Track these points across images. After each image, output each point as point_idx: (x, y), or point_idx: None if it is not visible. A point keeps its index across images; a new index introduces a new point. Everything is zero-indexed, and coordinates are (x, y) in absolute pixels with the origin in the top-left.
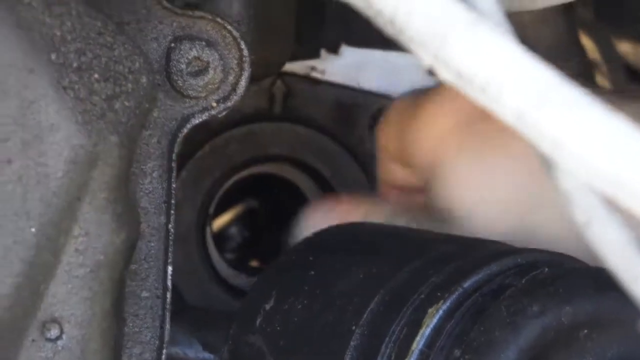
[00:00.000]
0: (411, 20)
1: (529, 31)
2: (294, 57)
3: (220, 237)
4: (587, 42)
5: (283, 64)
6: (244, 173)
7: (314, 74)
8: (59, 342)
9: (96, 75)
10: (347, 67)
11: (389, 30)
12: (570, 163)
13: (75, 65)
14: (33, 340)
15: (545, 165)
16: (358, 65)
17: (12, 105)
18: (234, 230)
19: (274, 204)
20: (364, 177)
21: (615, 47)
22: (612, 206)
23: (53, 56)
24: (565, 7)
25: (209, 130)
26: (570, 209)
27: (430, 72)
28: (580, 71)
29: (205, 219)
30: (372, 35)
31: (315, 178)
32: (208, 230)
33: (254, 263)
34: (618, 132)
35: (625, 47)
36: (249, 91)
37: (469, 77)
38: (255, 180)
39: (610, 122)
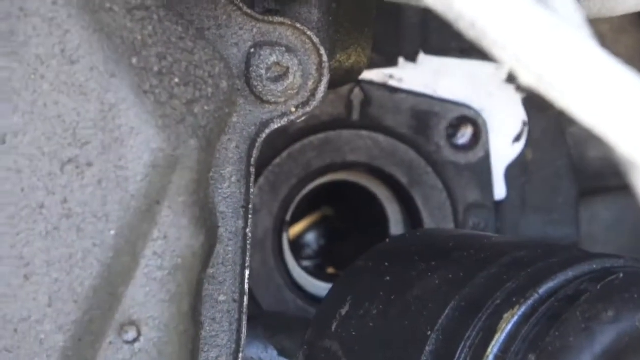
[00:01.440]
0: (492, 23)
1: (608, 41)
2: (372, 65)
3: (297, 244)
4: None
5: (361, 71)
6: (322, 180)
7: (392, 82)
8: (136, 345)
9: (176, 80)
10: (425, 75)
11: (470, 33)
12: None
13: (156, 69)
14: (110, 343)
15: (627, 166)
16: (436, 74)
17: (93, 108)
18: (310, 237)
19: (350, 211)
20: (441, 184)
21: None
22: None
23: (134, 60)
24: None
25: (287, 137)
26: None
27: (509, 80)
28: None
29: (282, 225)
30: (450, 44)
31: (392, 186)
32: (285, 236)
33: (331, 270)
34: None
35: None
36: (327, 98)
37: (550, 80)
38: (332, 187)
39: None
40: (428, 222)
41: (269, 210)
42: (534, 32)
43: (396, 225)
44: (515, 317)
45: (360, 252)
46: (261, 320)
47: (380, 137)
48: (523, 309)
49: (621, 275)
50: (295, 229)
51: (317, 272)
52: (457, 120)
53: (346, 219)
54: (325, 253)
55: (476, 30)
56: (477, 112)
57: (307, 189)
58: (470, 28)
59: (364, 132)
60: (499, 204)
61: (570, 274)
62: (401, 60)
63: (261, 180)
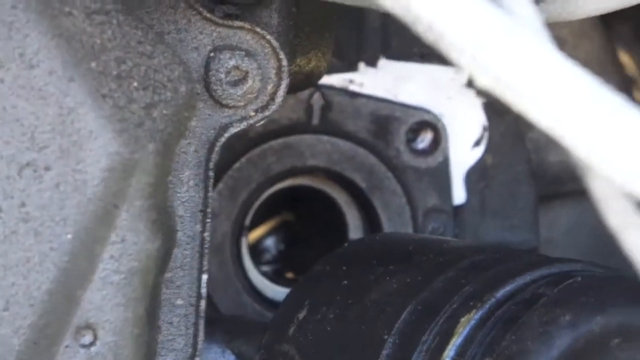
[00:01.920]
0: (450, 26)
1: (567, 46)
2: (333, 70)
3: (256, 249)
4: (625, 58)
5: (321, 76)
6: (281, 185)
7: (352, 87)
8: (93, 349)
9: (135, 84)
10: (385, 80)
11: (428, 36)
12: (606, 167)
13: (114, 73)
14: (67, 346)
15: (583, 170)
16: (396, 79)
17: (51, 112)
18: (269, 242)
19: (310, 216)
20: (400, 189)
21: None
22: None
23: (93, 64)
24: (603, 23)
25: (246, 142)
26: (605, 213)
27: (469, 85)
28: (617, 87)
29: (241, 230)
30: (411, 49)
31: (351, 191)
32: (244, 241)
33: (290, 275)
34: None
35: None
36: (287, 103)
37: (506, 82)
38: (292, 192)
39: None
40: (387, 227)
41: (228, 215)
42: (491, 35)
43: (355, 230)
44: (472, 321)
45: (319, 257)
46: (219, 324)
47: (341, 142)
48: (480, 312)
49: (579, 279)
50: (255, 234)
51: (276, 277)
52: (417, 124)
53: (306, 224)
54: (284, 258)
55: (433, 33)
56: (437, 117)
57: (266, 193)
58: (427, 31)
59: (324, 137)
60: (458, 208)
61: (527, 277)
62: (362, 65)
63: (220, 185)
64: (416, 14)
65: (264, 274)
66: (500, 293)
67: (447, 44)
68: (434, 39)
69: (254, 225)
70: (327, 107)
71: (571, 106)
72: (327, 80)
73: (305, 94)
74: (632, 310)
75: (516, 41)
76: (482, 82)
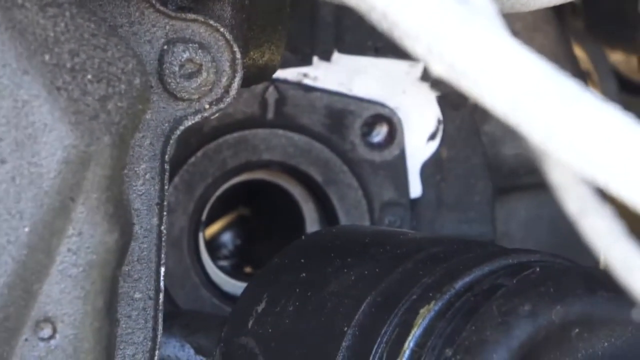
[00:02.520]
0: (404, 14)
1: (521, 39)
2: (287, 64)
3: (214, 244)
4: (579, 52)
5: (275, 69)
6: (237, 179)
7: (306, 81)
8: (52, 342)
9: (89, 76)
10: (340, 74)
11: (383, 25)
12: (563, 153)
13: (68, 65)
14: (26, 340)
15: (539, 156)
16: (350, 72)
17: (5, 105)
18: (226, 237)
19: (266, 211)
20: (356, 183)
21: (607, 57)
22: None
23: (47, 57)
24: (557, 17)
25: (202, 136)
26: (564, 199)
27: (424, 78)
28: None
29: (198, 225)
30: (365, 43)
31: (307, 185)
32: (200, 236)
33: (247, 269)
34: (610, 121)
35: (616, 57)
36: (242, 97)
37: (462, 70)
38: (247, 186)
39: (601, 111)
40: (344, 221)
41: (185, 209)
42: (446, 22)
43: (312, 224)
44: (432, 312)
45: (277, 251)
46: (178, 319)
47: (296, 136)
48: (439, 304)
49: (537, 269)
50: (212, 229)
51: (234, 272)
52: (372, 118)
53: (262, 219)
54: (241, 253)
55: (388, 22)
56: (392, 110)
57: (222, 188)
58: (382, 19)
59: (280, 131)
60: (414, 202)
61: (486, 268)
62: (315, 59)
63: (176, 179)
64: (370, 2)
65: (222, 268)
66: (459, 284)
67: (401, 32)
68: (388, 27)
69: (211, 220)
70: (281, 101)
71: (527, 92)
72: (281, 74)
73: (259, 87)
74: (592, 300)
75: (471, 29)
76: (437, 70)
